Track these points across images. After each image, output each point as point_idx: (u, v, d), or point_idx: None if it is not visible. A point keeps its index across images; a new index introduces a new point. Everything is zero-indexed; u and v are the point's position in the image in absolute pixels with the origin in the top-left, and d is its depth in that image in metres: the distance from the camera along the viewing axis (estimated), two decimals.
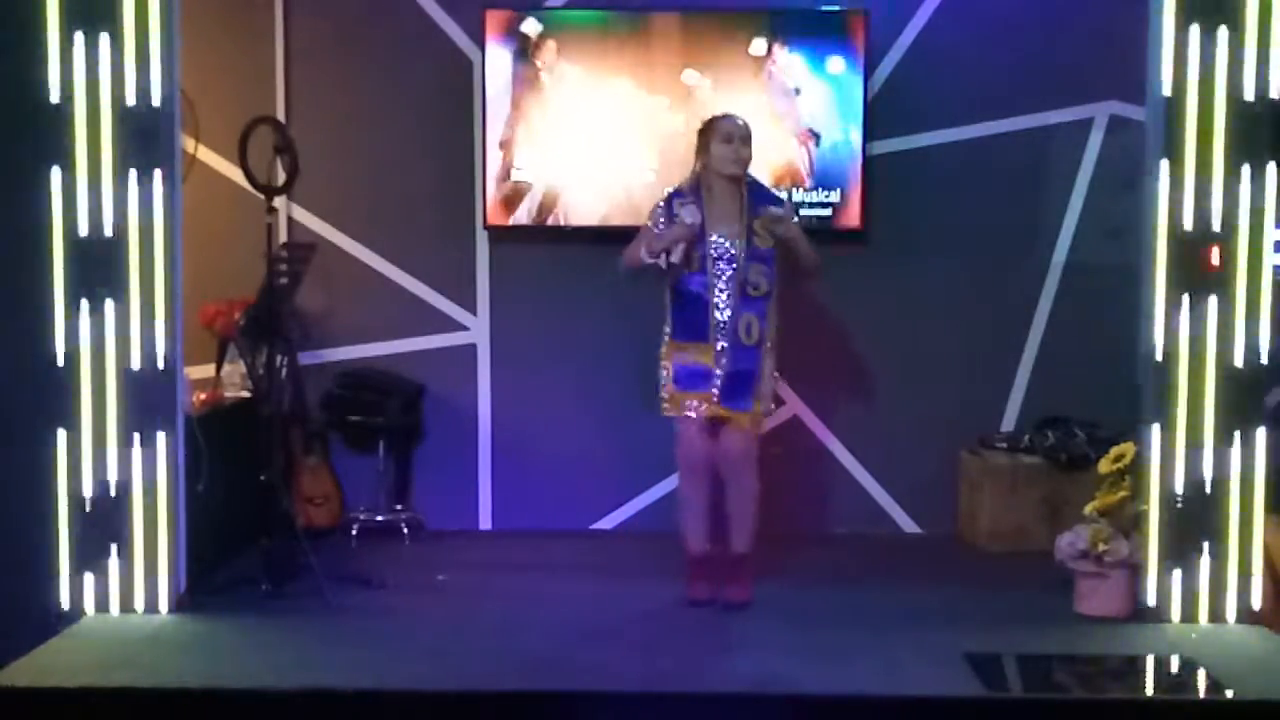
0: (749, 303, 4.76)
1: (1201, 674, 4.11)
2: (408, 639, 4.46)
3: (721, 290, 4.76)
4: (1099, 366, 5.64)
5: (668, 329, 4.85)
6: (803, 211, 5.75)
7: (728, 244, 4.76)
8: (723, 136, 4.79)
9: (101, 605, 4.52)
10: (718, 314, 4.75)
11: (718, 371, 4.74)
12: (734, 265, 4.76)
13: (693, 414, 4.75)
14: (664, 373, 4.82)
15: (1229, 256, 4.49)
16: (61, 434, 4.48)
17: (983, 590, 5.13)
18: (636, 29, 5.81)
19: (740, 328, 4.74)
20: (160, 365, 4.53)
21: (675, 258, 4.73)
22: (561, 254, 5.99)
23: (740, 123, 4.85)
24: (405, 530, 5.82)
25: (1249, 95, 4.47)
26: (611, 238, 5.87)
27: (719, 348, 4.74)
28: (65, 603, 4.50)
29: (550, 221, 5.88)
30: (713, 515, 4.90)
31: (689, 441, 4.78)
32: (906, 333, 5.98)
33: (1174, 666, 4.22)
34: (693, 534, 4.89)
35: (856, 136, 5.82)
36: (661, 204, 4.89)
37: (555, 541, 5.85)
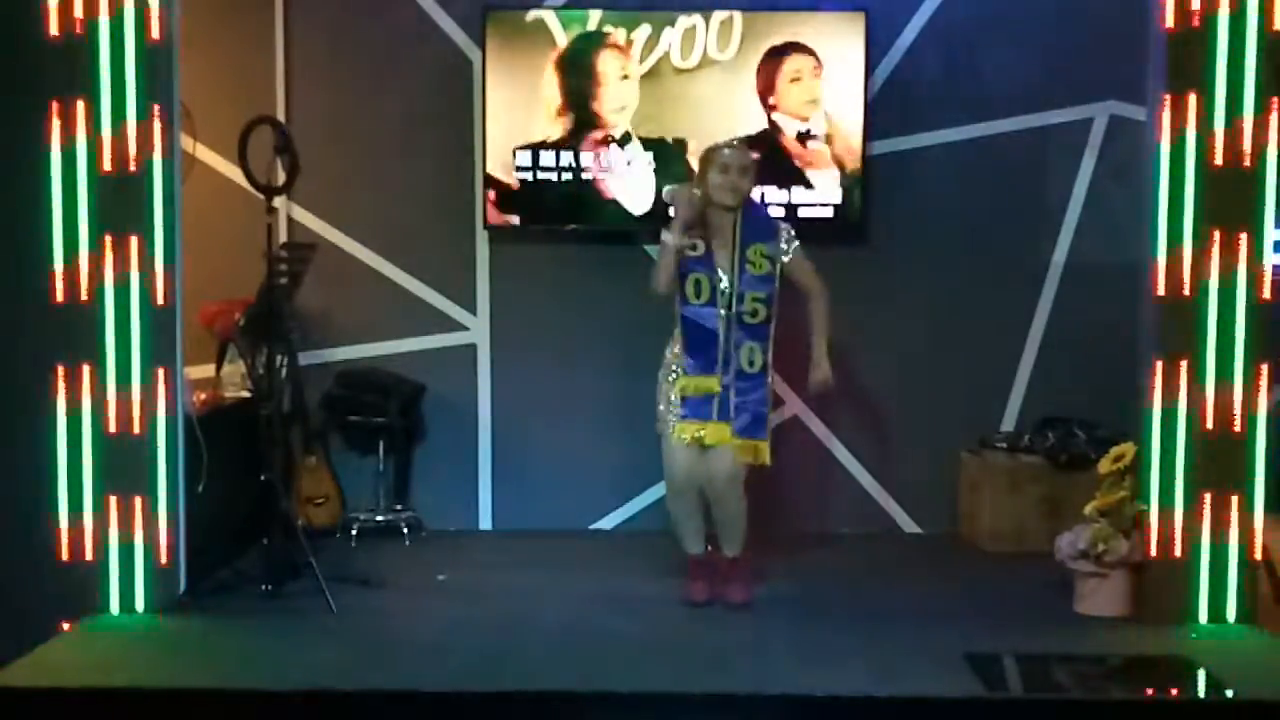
0: (748, 331, 4.77)
1: (1201, 674, 4.11)
2: (408, 639, 4.46)
3: (724, 320, 4.76)
4: (1099, 366, 5.64)
5: (681, 357, 4.80)
6: (801, 213, 5.77)
7: (723, 275, 4.76)
8: (719, 167, 4.78)
9: (101, 605, 4.53)
10: (725, 344, 4.76)
11: (731, 401, 4.74)
12: (729, 295, 4.77)
13: (688, 438, 4.74)
14: (672, 396, 4.78)
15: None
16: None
17: (983, 590, 5.13)
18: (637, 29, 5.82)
19: (743, 358, 4.76)
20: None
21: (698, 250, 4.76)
22: (561, 254, 5.99)
23: (739, 152, 4.84)
24: (405, 530, 5.82)
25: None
26: (611, 238, 5.90)
27: (726, 379, 4.75)
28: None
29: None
30: (707, 519, 4.91)
31: (676, 463, 4.78)
32: (906, 333, 5.99)
33: (1174, 666, 4.22)
34: (689, 540, 4.91)
35: (857, 136, 5.83)
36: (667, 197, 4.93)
37: (555, 541, 5.84)
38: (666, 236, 4.74)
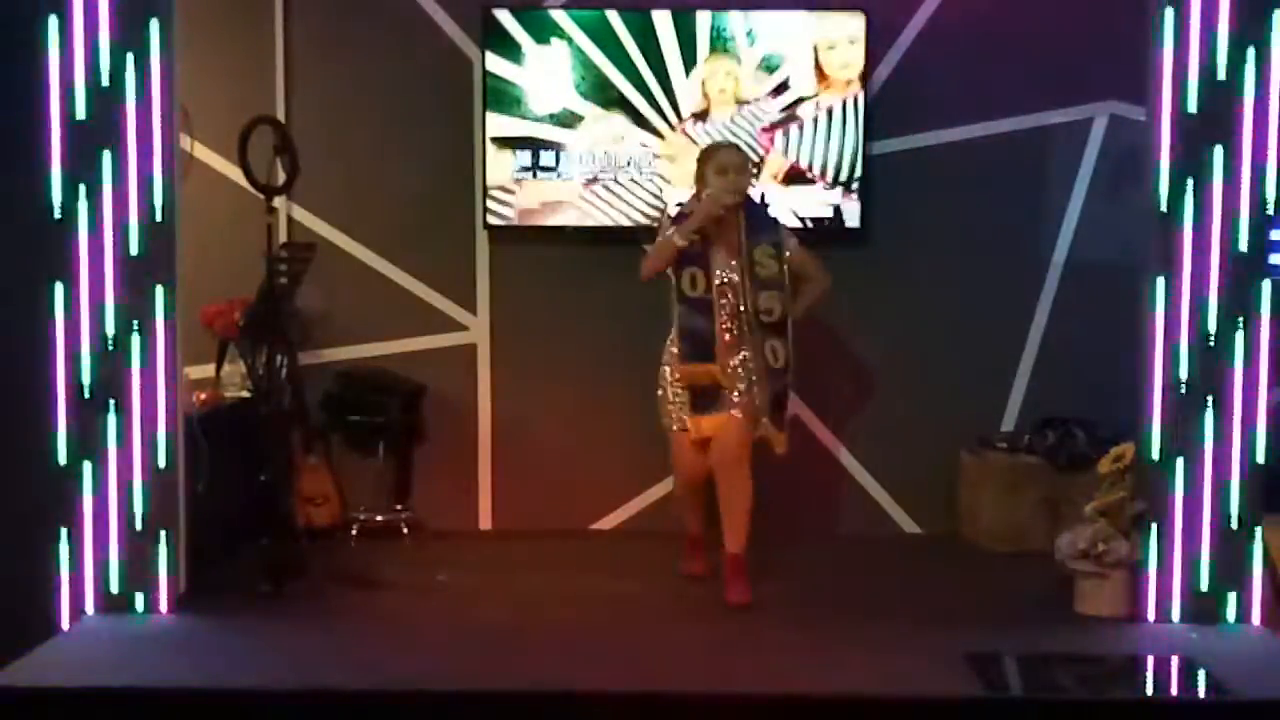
0: (767, 329, 4.81)
1: (1201, 674, 4.11)
2: (408, 639, 4.46)
3: (725, 319, 4.81)
4: (1099, 366, 5.63)
5: (674, 348, 4.87)
6: (801, 214, 5.78)
7: (731, 275, 4.81)
8: (717, 168, 4.82)
9: (101, 606, 4.52)
10: (723, 339, 4.80)
11: (736, 393, 4.80)
12: (737, 295, 4.81)
13: (691, 430, 4.83)
14: (677, 393, 4.86)
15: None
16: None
17: (983, 590, 5.13)
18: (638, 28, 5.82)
19: (768, 354, 4.80)
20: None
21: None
22: (561, 254, 5.99)
23: (736, 152, 4.94)
24: (405, 530, 5.82)
25: None
26: (611, 239, 5.90)
27: (731, 367, 4.81)
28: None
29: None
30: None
31: (682, 455, 4.90)
32: (906, 333, 5.98)
33: (1174, 666, 4.22)
34: (690, 523, 5.04)
35: (857, 136, 5.83)
36: (670, 218, 4.96)
37: (555, 541, 5.85)
38: (676, 237, 4.77)
